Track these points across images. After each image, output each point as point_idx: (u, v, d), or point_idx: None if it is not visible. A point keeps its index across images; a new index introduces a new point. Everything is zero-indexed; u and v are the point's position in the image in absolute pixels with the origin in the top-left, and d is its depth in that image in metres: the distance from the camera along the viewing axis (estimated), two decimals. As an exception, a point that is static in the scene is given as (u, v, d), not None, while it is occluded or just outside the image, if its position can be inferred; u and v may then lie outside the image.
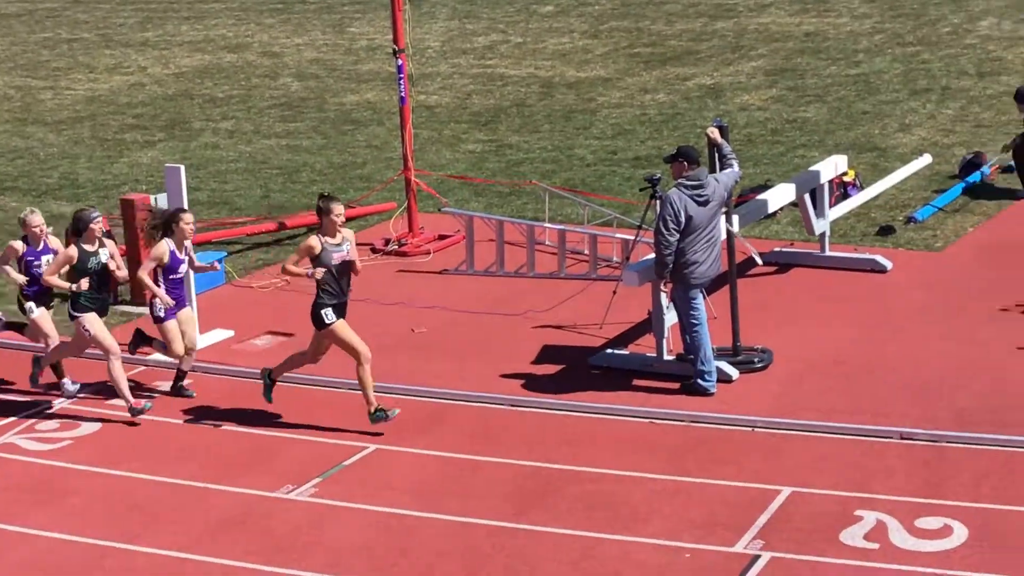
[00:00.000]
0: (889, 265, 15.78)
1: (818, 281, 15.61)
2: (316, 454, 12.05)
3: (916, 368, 13.10)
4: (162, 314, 13.07)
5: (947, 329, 13.99)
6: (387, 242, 17.55)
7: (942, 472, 11.12)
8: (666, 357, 13.31)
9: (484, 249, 16.40)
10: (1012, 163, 18.62)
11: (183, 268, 13.20)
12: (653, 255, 13.00)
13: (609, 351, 13.78)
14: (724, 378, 12.97)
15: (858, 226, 17.27)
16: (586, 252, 16.06)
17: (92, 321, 12.87)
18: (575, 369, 13.57)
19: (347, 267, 12.20)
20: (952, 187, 18.42)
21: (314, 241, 12.18)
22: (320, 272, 12.05)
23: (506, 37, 31.98)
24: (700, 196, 12.59)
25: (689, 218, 12.52)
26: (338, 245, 12.17)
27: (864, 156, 20.16)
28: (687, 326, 12.83)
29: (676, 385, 13.00)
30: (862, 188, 17.74)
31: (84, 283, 12.80)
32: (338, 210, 12.23)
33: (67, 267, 12.96)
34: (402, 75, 17.24)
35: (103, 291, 13.13)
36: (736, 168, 13.11)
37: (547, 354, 13.99)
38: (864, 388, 12.74)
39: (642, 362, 13.45)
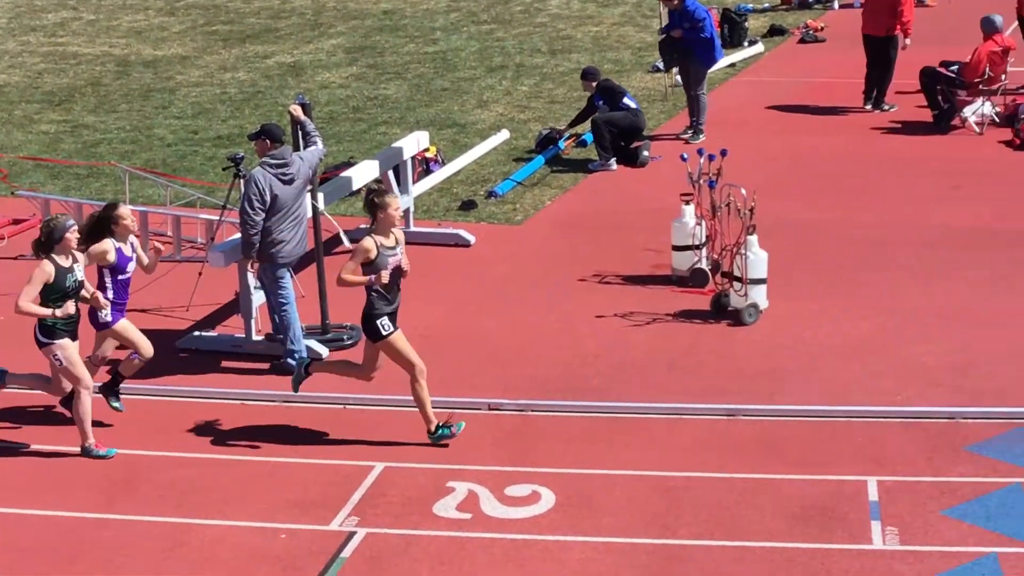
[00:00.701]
0: (472, 239, 16.09)
1: (404, 257, 15.76)
2: None
3: (502, 339, 13.41)
4: (109, 319, 11.56)
5: (529, 300, 14.37)
6: (-42, 228, 16.77)
7: (529, 440, 11.44)
8: (255, 337, 13.22)
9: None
10: (585, 137, 19.30)
11: (132, 267, 11.78)
12: (239, 235, 12.87)
13: (197, 333, 13.57)
14: (315, 357, 12.96)
15: (441, 201, 17.55)
16: (169, 234, 15.75)
17: (67, 348, 11.24)
18: (163, 353, 13.27)
19: (399, 271, 11.17)
20: (530, 161, 18.93)
21: (369, 244, 10.97)
22: (386, 276, 10.98)
23: (78, 14, 30.98)
24: (285, 175, 12.53)
25: (275, 197, 12.45)
26: (392, 248, 11.09)
27: (444, 132, 20.48)
28: (275, 305, 12.76)
29: (266, 365, 12.93)
30: (444, 164, 18.03)
31: (70, 307, 11.14)
32: (395, 204, 11.10)
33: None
34: (-32, 53, 16.45)
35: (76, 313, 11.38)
36: (320, 145, 13.11)
37: (132, 339, 13.66)
38: (453, 361, 12.96)
39: (231, 343, 13.31)
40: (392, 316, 11.20)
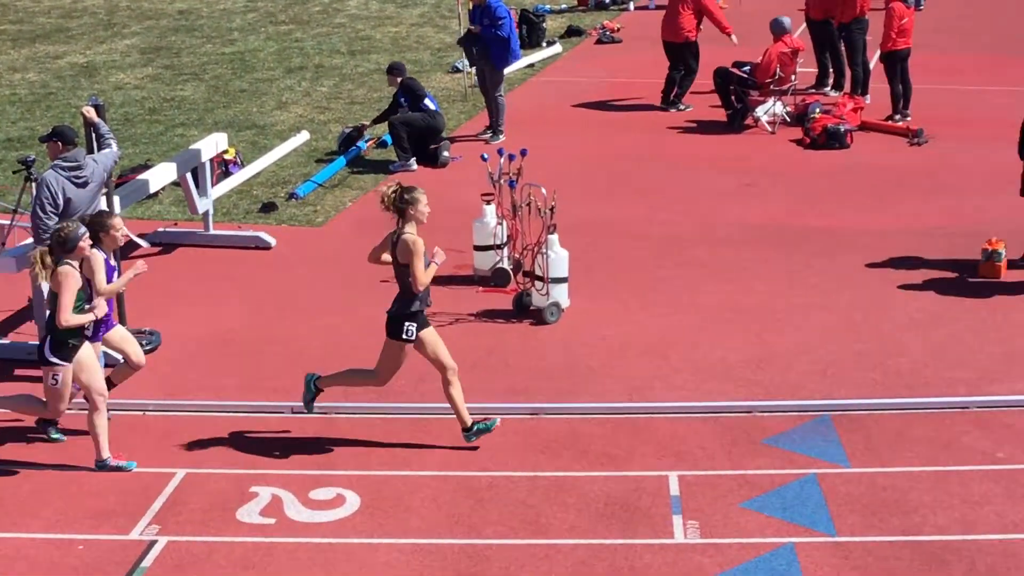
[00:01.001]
0: (273, 242, 15.95)
1: (204, 260, 15.58)
2: None
3: (304, 342, 13.31)
4: (88, 333, 10.93)
5: (331, 303, 14.29)
6: None
7: (333, 443, 11.37)
8: (50, 344, 12.92)
9: None
10: (385, 138, 19.28)
11: (115, 277, 11.29)
12: (31, 240, 12.58)
13: (-12, 341, 13.24)
14: (111, 363, 12.72)
15: (241, 203, 17.36)
16: (-42, 239, 15.33)
17: (68, 372, 10.70)
18: (-48, 362, 12.95)
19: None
20: (331, 163, 18.83)
21: (414, 237, 10.79)
22: (441, 252, 10.87)
23: None
24: (78, 177, 12.28)
25: (68, 200, 12.19)
26: None
27: (244, 134, 20.27)
28: (71, 312, 12.49)
29: (62, 373, 12.66)
30: (243, 166, 17.84)
31: (102, 305, 10.78)
32: (425, 199, 10.89)
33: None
34: None
35: None
36: (115, 148, 12.87)
37: (-80, 348, 13.26)
38: (255, 365, 12.83)
39: (25, 351, 12.99)
40: (422, 320, 11.07)
